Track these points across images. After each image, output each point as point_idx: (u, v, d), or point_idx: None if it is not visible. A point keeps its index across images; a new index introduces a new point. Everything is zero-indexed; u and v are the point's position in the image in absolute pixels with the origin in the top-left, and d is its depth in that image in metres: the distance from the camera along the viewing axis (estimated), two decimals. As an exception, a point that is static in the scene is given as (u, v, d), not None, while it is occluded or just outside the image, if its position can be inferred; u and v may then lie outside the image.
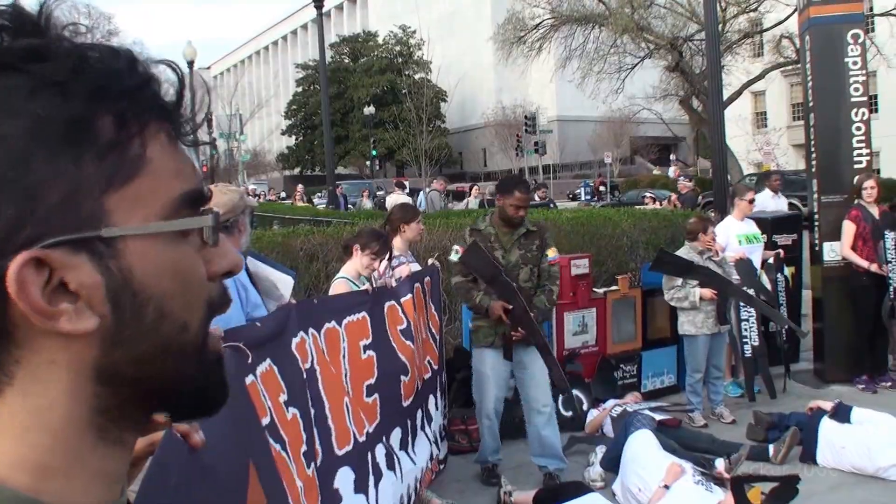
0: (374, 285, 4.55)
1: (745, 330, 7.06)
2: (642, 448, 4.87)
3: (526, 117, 44.64)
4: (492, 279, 5.03)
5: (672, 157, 46.92)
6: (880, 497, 4.95)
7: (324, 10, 19.74)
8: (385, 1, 69.02)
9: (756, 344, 7.06)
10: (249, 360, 2.57)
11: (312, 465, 3.22)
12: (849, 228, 7.24)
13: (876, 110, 37.84)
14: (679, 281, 6.43)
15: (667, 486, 4.48)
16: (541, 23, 28.13)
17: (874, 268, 7.08)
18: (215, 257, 0.68)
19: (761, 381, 7.02)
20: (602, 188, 37.16)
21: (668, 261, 6.32)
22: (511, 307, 4.98)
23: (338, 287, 4.54)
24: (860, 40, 7.45)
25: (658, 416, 5.74)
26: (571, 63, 28.78)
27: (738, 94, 29.25)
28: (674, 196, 15.52)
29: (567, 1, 27.50)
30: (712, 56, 9.14)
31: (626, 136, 47.92)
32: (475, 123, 57.83)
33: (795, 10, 7.84)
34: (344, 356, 3.88)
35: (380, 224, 5.89)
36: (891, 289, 7.16)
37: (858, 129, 7.47)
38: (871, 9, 32.30)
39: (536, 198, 17.06)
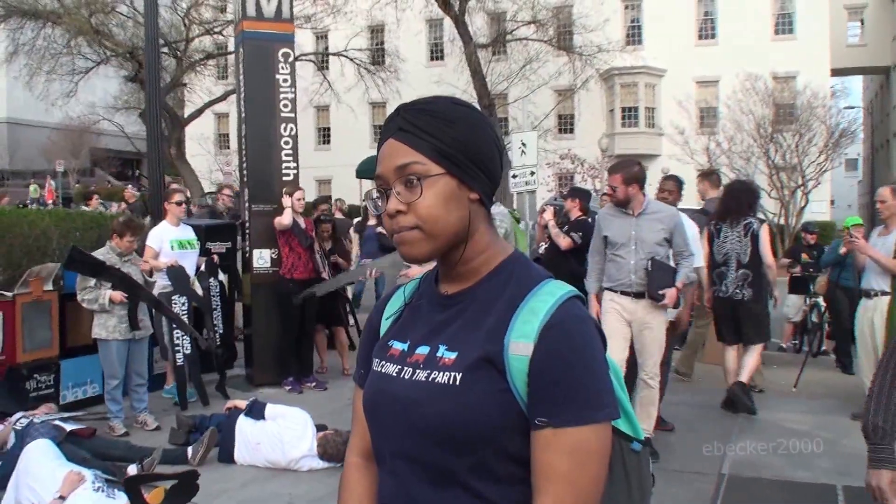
0: None
1: (178, 338, 6.96)
2: (36, 459, 4.45)
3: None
4: None
5: (137, 172, 45.57)
6: (291, 488, 5.17)
7: None
8: None
9: (188, 352, 7.00)
10: None
11: None
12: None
13: (328, 142, 41.53)
14: (92, 282, 6.07)
15: (62, 497, 4.16)
16: None
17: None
18: None
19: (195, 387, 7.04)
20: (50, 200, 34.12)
21: (80, 259, 5.93)
22: None
23: None
24: (290, 59, 7.90)
25: (68, 426, 5.29)
26: (18, 59, 26.10)
27: (199, 112, 29.57)
28: (121, 205, 14.93)
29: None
30: (151, 61, 8.77)
31: (86, 147, 45.19)
32: None
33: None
34: None
35: None
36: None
37: (287, 143, 7.91)
38: (327, 48, 35.39)
39: None
